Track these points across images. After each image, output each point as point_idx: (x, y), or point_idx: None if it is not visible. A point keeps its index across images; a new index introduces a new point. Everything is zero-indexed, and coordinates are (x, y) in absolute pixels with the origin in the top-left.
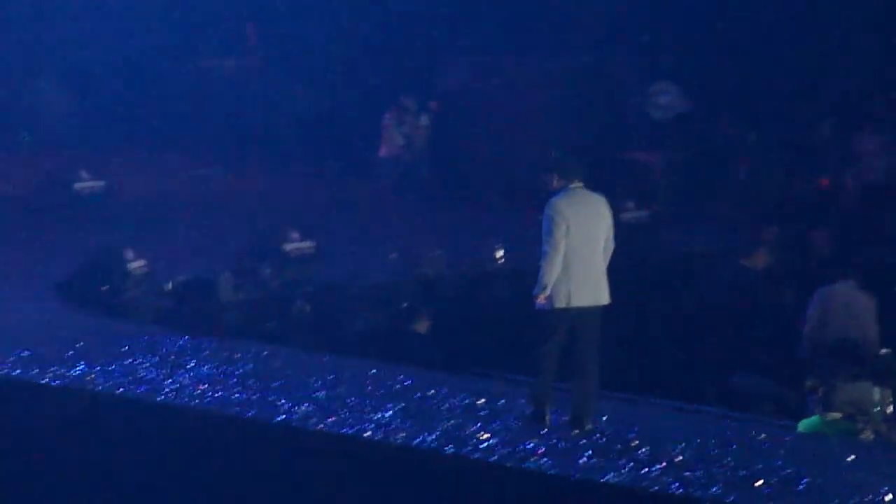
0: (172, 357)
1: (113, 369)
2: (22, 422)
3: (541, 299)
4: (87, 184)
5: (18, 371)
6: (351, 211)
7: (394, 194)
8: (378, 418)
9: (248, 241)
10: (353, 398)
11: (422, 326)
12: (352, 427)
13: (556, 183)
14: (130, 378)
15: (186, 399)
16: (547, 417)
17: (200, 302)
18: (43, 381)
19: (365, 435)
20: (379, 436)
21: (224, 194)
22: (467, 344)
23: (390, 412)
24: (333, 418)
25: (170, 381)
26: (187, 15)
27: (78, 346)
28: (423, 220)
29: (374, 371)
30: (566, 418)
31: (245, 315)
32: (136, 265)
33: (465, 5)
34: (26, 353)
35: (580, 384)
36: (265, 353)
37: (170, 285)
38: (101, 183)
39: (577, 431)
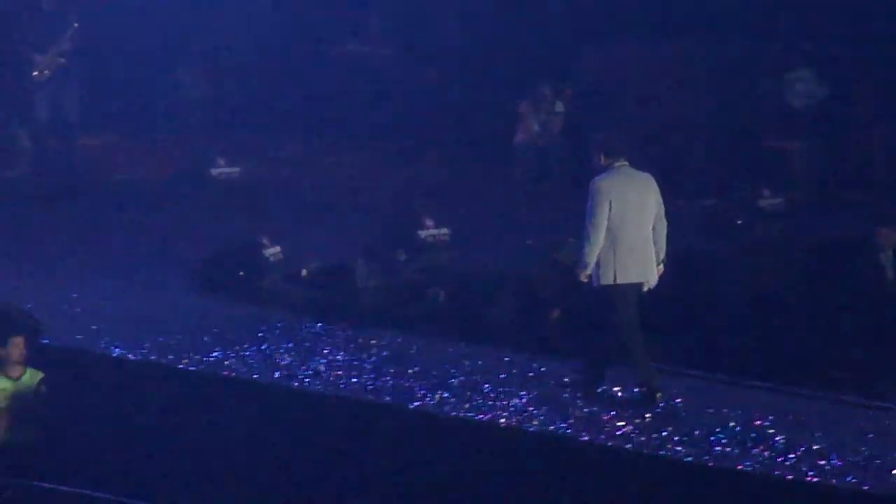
0: (307, 344)
1: (248, 356)
2: (157, 407)
3: (583, 277)
4: (223, 170)
5: (154, 356)
6: (486, 198)
7: (529, 181)
8: (513, 405)
9: (383, 227)
10: (487, 385)
11: (556, 314)
12: (486, 414)
13: (603, 161)
14: (266, 364)
15: (321, 385)
16: (658, 395)
17: (335, 288)
18: (179, 367)
19: (500, 422)
20: (514, 423)
21: (359, 181)
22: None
23: (525, 399)
24: (468, 405)
25: (305, 367)
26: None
27: (213, 332)
28: (558, 208)
29: (509, 358)
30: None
31: (380, 302)
32: (272, 252)
33: None
34: (162, 338)
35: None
36: (400, 339)
37: (305, 272)
38: (237, 169)
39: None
